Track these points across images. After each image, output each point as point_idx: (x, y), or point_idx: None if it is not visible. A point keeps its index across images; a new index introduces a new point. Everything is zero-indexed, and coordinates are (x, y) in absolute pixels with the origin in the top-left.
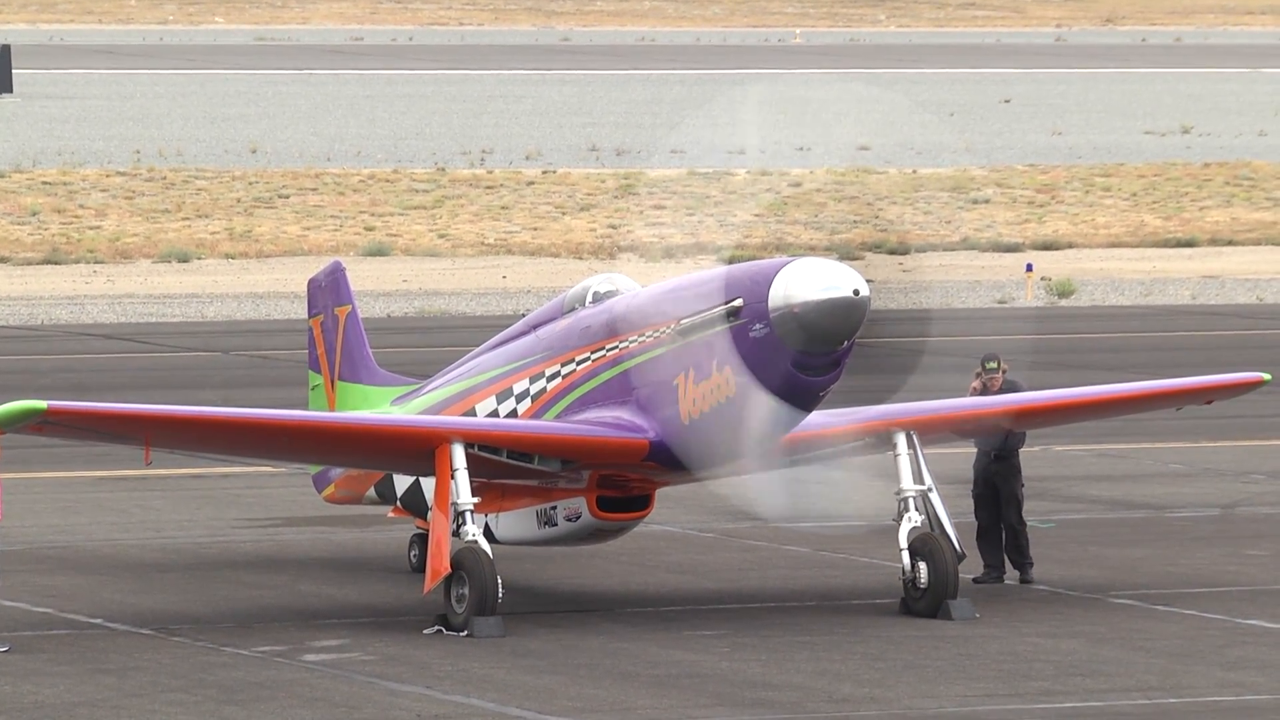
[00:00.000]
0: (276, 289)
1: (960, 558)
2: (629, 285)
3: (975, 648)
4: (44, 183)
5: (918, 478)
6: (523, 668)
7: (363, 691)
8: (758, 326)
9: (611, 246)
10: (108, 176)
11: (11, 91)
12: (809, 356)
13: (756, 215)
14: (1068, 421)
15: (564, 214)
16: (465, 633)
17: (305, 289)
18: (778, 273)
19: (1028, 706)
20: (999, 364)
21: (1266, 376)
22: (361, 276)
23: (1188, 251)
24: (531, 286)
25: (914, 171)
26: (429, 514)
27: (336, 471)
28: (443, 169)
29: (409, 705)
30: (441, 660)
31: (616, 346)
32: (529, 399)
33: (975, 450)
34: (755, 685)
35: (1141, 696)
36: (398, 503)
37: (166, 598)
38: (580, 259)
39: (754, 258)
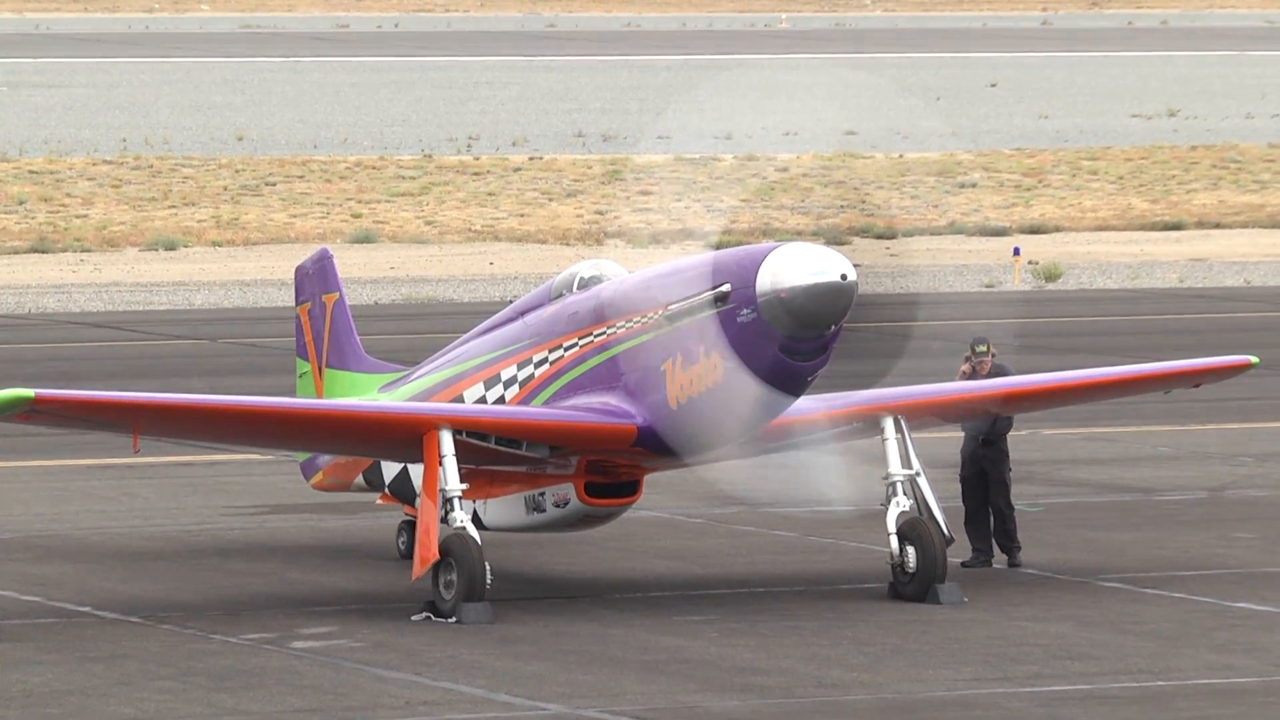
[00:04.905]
0: (264, 276)
1: (948, 542)
2: (616, 271)
3: (964, 632)
4: (30, 171)
5: (906, 462)
6: (512, 654)
7: (351, 678)
8: (745, 311)
9: (599, 232)
10: (94, 165)
11: None
12: (796, 341)
13: (743, 200)
14: (1056, 405)
15: (551, 200)
16: (454, 619)
17: (292, 276)
18: (765, 258)
19: (1016, 690)
20: (987, 348)
21: (1254, 359)
22: (349, 264)
23: (1175, 234)
24: (519, 273)
25: (900, 156)
26: (417, 501)
27: (324, 459)
28: (429, 156)
29: (397, 692)
30: (430, 647)
31: (604, 332)
32: (517, 385)
33: (963, 434)
34: (744, 670)
35: (1130, 679)
36: (386, 490)
37: (155, 585)
38: (567, 245)
39: (741, 243)
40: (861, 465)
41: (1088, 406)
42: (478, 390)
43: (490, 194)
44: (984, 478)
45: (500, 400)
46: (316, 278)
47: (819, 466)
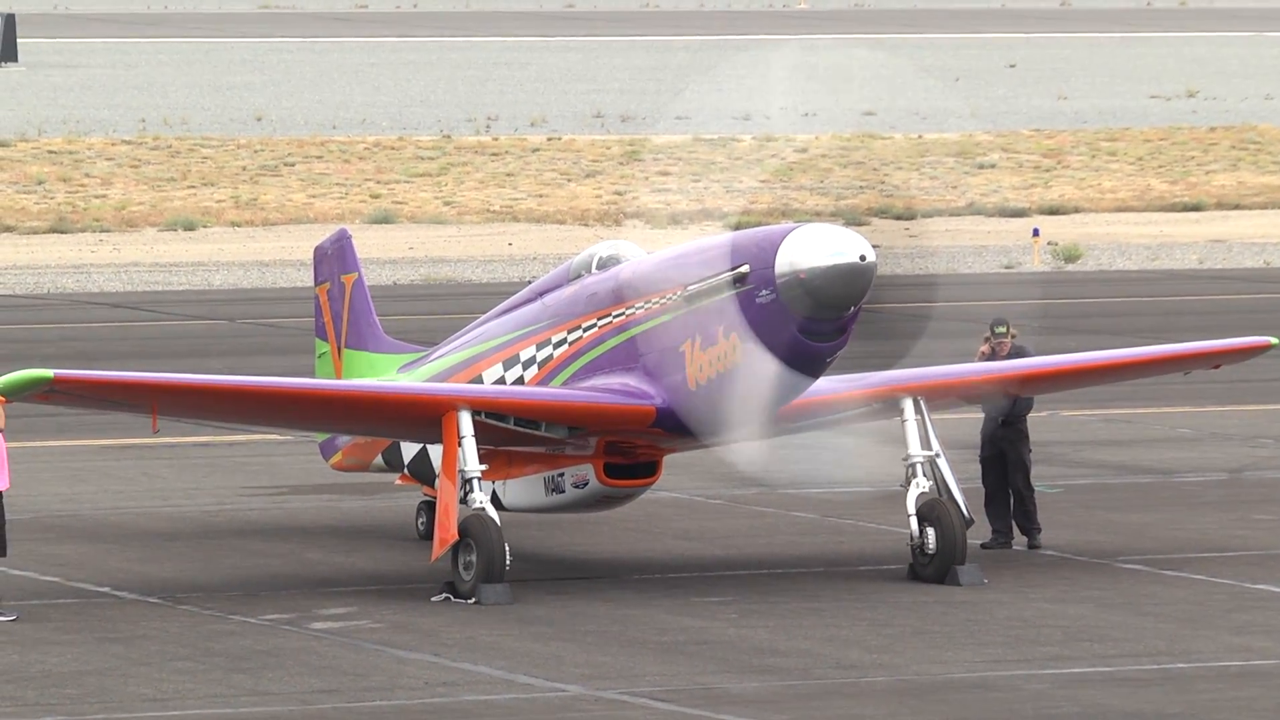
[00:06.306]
0: (282, 257)
1: (968, 523)
2: (635, 252)
3: (983, 613)
4: (50, 151)
5: (925, 443)
6: (530, 635)
7: (370, 659)
8: (764, 293)
9: (617, 213)
10: (113, 145)
11: (17, 60)
12: (815, 322)
13: (762, 181)
14: (1075, 386)
15: (569, 180)
16: (473, 600)
17: (311, 257)
18: (784, 239)
19: (1036, 671)
20: (1007, 329)
21: (1274, 340)
22: (367, 244)
23: (1194, 216)
24: (537, 253)
25: (920, 137)
26: (436, 481)
27: (344, 439)
28: (448, 136)
29: (417, 673)
30: (449, 628)
31: (623, 313)
32: (536, 366)
33: (983, 415)
34: (763, 652)
35: (1150, 661)
36: (405, 470)
37: (174, 566)
38: (586, 225)
39: (760, 224)
40: (881, 446)
41: (1107, 387)
42: (497, 371)
43: (509, 174)
44: (1003, 459)
45: (519, 381)
46: (335, 258)
47: (839, 448)
